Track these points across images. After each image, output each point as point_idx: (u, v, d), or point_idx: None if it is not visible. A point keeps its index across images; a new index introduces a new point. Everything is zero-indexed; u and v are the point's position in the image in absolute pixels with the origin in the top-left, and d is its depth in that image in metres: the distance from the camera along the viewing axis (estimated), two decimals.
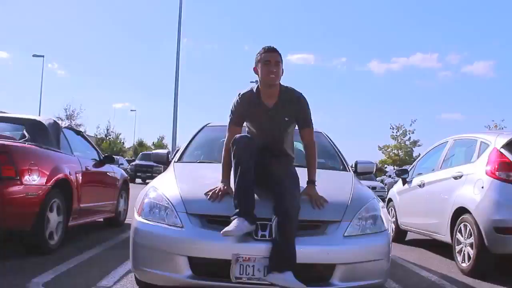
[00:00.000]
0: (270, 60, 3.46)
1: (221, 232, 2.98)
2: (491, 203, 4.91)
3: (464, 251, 5.25)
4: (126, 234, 6.83)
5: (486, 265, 5.00)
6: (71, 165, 5.66)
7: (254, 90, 3.60)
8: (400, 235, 7.63)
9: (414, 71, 77.06)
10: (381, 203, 3.74)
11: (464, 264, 5.23)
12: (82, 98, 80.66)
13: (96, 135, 56.37)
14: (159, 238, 3.22)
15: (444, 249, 6.21)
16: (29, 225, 4.73)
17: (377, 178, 46.74)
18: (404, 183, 7.50)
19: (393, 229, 7.77)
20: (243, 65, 69.36)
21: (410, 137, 45.66)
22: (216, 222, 3.17)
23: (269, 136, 3.60)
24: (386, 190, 26.15)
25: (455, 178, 5.66)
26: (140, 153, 34.21)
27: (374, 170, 5.08)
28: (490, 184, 4.97)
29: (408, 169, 7.67)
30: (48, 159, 5.18)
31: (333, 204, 3.36)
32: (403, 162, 43.57)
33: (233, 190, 3.26)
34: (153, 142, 66.68)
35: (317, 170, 3.68)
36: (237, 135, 3.42)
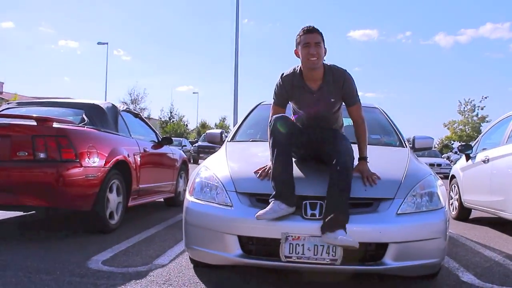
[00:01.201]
0: (309, 42, 3.33)
1: (255, 215, 2.96)
2: None
3: None
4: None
5: None
6: (129, 147, 5.81)
7: (297, 71, 3.47)
8: (464, 213, 7.37)
9: (483, 43, 73.56)
10: (439, 181, 3.58)
11: None
12: (146, 82, 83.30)
13: (160, 118, 57.84)
14: (209, 217, 3.24)
15: (510, 228, 5.92)
16: (89, 205, 4.90)
17: (443, 155, 45.45)
18: (467, 159, 7.19)
19: (456, 207, 7.52)
20: None
21: (478, 113, 43.76)
22: (265, 201, 3.14)
23: (316, 117, 3.52)
24: (452, 166, 25.39)
25: None
26: (202, 135, 34.77)
27: (433, 145, 4.88)
28: None
29: (472, 145, 7.33)
30: (107, 141, 5.33)
31: (386, 181, 3.25)
32: (470, 138, 41.97)
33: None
34: (215, 124, 67.61)
35: (371, 147, 3.58)
36: (274, 116, 3.37)
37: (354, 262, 3.03)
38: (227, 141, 4.64)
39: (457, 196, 7.53)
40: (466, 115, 44.21)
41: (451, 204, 7.82)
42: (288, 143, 3.26)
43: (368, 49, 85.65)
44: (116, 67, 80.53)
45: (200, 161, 28.52)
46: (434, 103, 76.69)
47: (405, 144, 4.53)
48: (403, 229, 3.07)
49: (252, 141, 4.58)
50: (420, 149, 4.72)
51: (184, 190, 8.22)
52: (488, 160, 6.31)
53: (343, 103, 3.57)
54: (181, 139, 34.43)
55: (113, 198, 5.29)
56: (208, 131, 5.12)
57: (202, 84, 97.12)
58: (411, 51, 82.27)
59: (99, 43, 41.66)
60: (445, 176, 22.90)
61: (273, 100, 3.63)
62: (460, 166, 7.54)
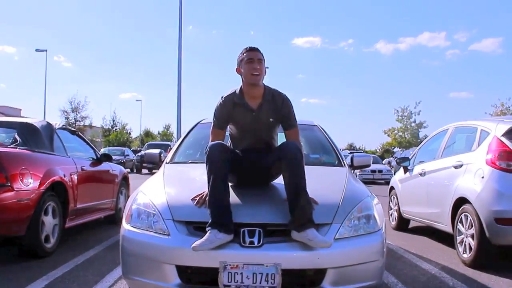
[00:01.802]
0: (253, 58, 3.41)
1: (191, 245, 2.92)
2: (491, 193, 4.80)
3: (465, 241, 5.17)
4: None
5: (487, 256, 4.91)
6: (65, 167, 5.60)
7: (237, 91, 3.52)
8: (402, 224, 7.57)
9: (421, 50, 76.48)
10: (375, 200, 3.64)
11: (465, 255, 5.14)
12: (89, 89, 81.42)
13: (103, 127, 56.51)
14: (146, 246, 3.16)
15: (447, 238, 6.12)
16: (23, 230, 4.69)
17: (384, 160, 46.72)
18: (405, 171, 7.40)
19: (395, 218, 7.72)
20: None
21: (415, 119, 45.42)
22: (203, 229, 3.09)
23: (254, 137, 3.52)
24: (393, 172, 26.09)
25: (456, 167, 5.55)
26: (146, 144, 34.28)
27: (371, 163, 4.99)
28: (490, 174, 4.86)
29: (409, 157, 7.55)
30: (41, 162, 5.12)
31: (323, 206, 3.26)
32: (409, 144, 43.40)
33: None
34: (159, 132, 66.77)
35: (310, 167, 3.61)
36: (210, 143, 3.34)
37: (293, 287, 3.03)
38: (166, 162, 4.55)
39: (396, 207, 7.73)
40: (405, 122, 45.75)
41: (391, 214, 8.02)
42: (224, 170, 3.23)
43: (312, 56, 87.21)
44: (57, 74, 78.41)
45: (143, 170, 28.08)
46: (375, 109, 79.06)
47: (343, 163, 4.59)
48: (341, 254, 3.09)
49: (191, 162, 4.50)
50: (358, 167, 4.81)
51: (125, 206, 8.03)
52: (424, 173, 6.51)
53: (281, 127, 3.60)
54: (123, 148, 33.79)
55: (49, 221, 5.09)
56: (146, 152, 5.01)
57: (145, 91, 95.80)
58: (353, 58, 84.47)
59: (37, 50, 40.26)
60: (386, 182, 23.66)
61: (212, 123, 3.59)
62: (398, 177, 7.75)
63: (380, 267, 3.31)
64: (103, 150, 32.15)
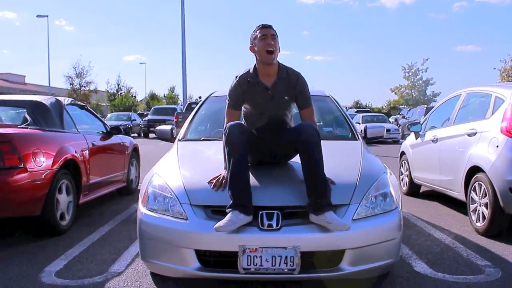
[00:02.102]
0: (266, 34, 3.38)
1: (214, 227, 2.93)
2: (506, 163, 4.76)
3: (478, 210, 5.17)
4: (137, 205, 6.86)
5: (500, 225, 4.92)
6: (76, 143, 5.60)
7: (251, 69, 3.49)
8: (414, 189, 7.56)
9: (428, 3, 74.92)
10: (391, 176, 3.63)
11: (478, 224, 5.15)
12: (91, 53, 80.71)
13: (108, 91, 56.40)
14: (164, 231, 3.17)
15: (458, 204, 6.13)
16: (38, 210, 4.72)
17: (391, 117, 46.60)
18: (416, 137, 7.35)
19: (407, 183, 7.72)
20: (255, 10, 68.24)
21: (422, 76, 44.91)
22: (221, 212, 3.10)
23: (270, 116, 3.48)
24: (400, 131, 26.00)
25: (469, 135, 5.50)
26: (152, 108, 34.21)
27: (384, 133, 4.95)
28: (505, 143, 4.81)
29: (420, 122, 7.48)
30: (52, 141, 5.11)
31: (341, 186, 3.25)
32: (416, 101, 43.11)
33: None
34: (164, 95, 66.53)
35: (323, 142, 3.57)
36: (229, 124, 3.31)
37: (312, 270, 3.05)
38: (178, 139, 4.53)
39: (407, 173, 7.71)
40: (412, 79, 45.28)
41: (402, 180, 8.01)
42: (245, 151, 3.21)
43: (316, 13, 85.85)
44: (59, 38, 77.83)
45: (150, 135, 28.11)
46: (381, 65, 78.36)
47: (358, 136, 4.56)
48: (359, 235, 3.09)
49: (203, 139, 4.48)
50: (372, 138, 4.78)
51: (137, 177, 8.10)
52: (436, 140, 6.46)
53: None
54: (130, 113, 33.82)
55: (63, 199, 5.12)
56: (158, 128, 4.98)
57: (149, 53, 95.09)
58: (358, 13, 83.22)
59: (38, 16, 39.78)
60: (393, 141, 23.63)
61: (227, 104, 3.55)
62: (409, 143, 7.69)
63: (397, 245, 3.33)
64: (109, 116, 32.31)
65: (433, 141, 6.57)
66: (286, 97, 3.46)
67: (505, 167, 4.77)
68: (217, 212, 3.12)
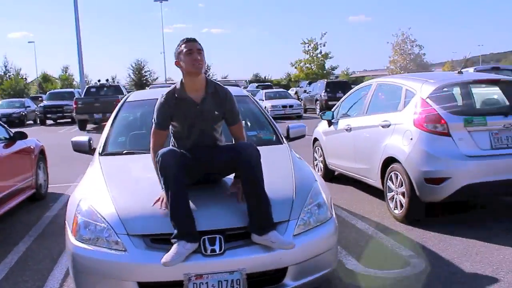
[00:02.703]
0: (192, 48, 3.28)
1: (161, 261, 2.83)
2: (420, 154, 5.04)
3: (396, 199, 5.45)
4: (50, 213, 6.49)
5: (417, 212, 5.23)
6: None
7: (178, 85, 3.38)
8: (328, 174, 7.79)
9: None
10: (319, 179, 3.70)
11: (396, 211, 5.44)
12: None
13: None
14: (102, 264, 3.00)
15: (372, 189, 6.40)
16: None
17: (290, 89, 47.74)
18: (329, 125, 7.54)
19: (321, 168, 7.95)
20: None
21: (321, 51, 46.25)
22: (161, 240, 3.00)
23: (200, 133, 3.38)
24: (303, 106, 26.73)
25: (383, 126, 5.74)
26: (48, 93, 32.29)
27: (306, 132, 5.01)
28: (418, 136, 5.08)
29: (332, 110, 7.69)
30: None
31: (279, 202, 3.23)
32: (316, 75, 44.39)
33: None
34: (59, 76, 62.96)
35: None
36: (160, 152, 3.16)
37: (255, 287, 3.04)
38: (99, 153, 4.28)
39: (321, 159, 7.94)
40: (311, 54, 46.49)
41: (316, 165, 8.24)
42: (182, 177, 3.09)
43: None
44: None
45: (48, 121, 26.57)
46: (279, 38, 79.41)
47: (282, 138, 4.57)
48: (301, 250, 3.12)
49: (126, 153, 4.26)
50: (294, 138, 4.82)
51: (45, 181, 7.62)
52: (350, 129, 6.68)
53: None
54: (23, 99, 31.74)
55: None
56: (73, 140, 4.64)
57: (38, 29, 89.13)
58: None
59: None
60: (297, 117, 24.25)
61: (153, 122, 3.40)
62: (322, 129, 7.88)
63: (335, 252, 3.42)
64: (0, 103, 30.03)
65: (347, 130, 6.78)
66: (216, 112, 3.38)
67: (419, 158, 5.04)
68: (157, 240, 3.01)
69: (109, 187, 3.45)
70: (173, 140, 3.48)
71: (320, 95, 26.32)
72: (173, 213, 2.99)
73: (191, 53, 3.26)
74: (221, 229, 3.02)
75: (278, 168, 3.80)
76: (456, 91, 5.54)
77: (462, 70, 5.98)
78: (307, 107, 28.38)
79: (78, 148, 4.59)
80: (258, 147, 4.16)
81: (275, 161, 3.99)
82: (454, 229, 5.01)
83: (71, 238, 3.20)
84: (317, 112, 26.46)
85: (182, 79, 3.37)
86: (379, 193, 6.20)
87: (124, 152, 4.28)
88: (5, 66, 53.02)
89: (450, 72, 7.23)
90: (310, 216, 3.29)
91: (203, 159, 3.31)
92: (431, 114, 5.05)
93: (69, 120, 25.77)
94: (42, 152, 7.58)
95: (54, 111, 26.43)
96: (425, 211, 5.27)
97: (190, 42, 3.31)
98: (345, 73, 71.99)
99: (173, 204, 3.00)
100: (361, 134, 6.40)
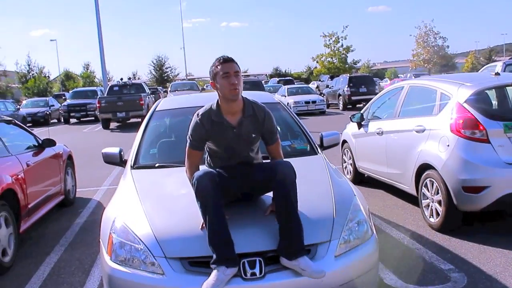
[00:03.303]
0: (229, 71, 3.11)
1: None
2: (458, 162, 4.87)
3: (431, 206, 5.29)
4: (80, 219, 6.48)
5: (454, 221, 5.07)
6: (11, 169, 5.13)
7: (214, 106, 3.24)
8: (358, 177, 7.64)
9: None
10: (358, 194, 3.57)
11: (432, 219, 5.28)
12: None
13: (18, 72, 53.10)
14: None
15: (403, 193, 6.24)
16: None
17: (311, 83, 47.40)
18: (359, 127, 7.39)
19: (351, 171, 7.81)
20: None
21: (342, 44, 45.72)
22: (200, 263, 2.91)
23: (235, 154, 3.28)
24: (325, 101, 26.46)
25: (417, 131, 5.57)
26: (71, 91, 32.60)
27: (340, 140, 4.88)
28: (456, 142, 4.91)
29: (362, 112, 7.53)
30: None
31: (319, 222, 3.13)
32: (338, 69, 43.93)
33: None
34: (81, 74, 63.46)
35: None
36: (196, 174, 3.06)
37: None
38: (131, 165, 4.21)
39: (350, 161, 7.80)
40: (333, 48, 46.00)
41: (345, 168, 8.10)
42: (219, 201, 3.00)
43: None
44: None
45: (72, 120, 26.83)
46: (299, 31, 78.97)
47: (316, 148, 4.45)
48: (342, 272, 3.01)
49: (159, 166, 4.18)
50: (328, 147, 4.70)
51: (73, 186, 7.62)
52: (382, 133, 6.52)
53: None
54: (47, 98, 32.09)
55: (3, 234, 4.69)
56: (103, 151, 4.57)
57: (59, 27, 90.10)
58: None
59: None
60: (320, 112, 24.04)
61: (188, 142, 3.30)
62: (351, 132, 7.74)
63: (376, 273, 3.31)
64: (25, 103, 30.47)
65: (378, 133, 6.63)
66: (253, 135, 3.27)
67: (457, 166, 4.87)
68: (195, 263, 2.93)
69: (144, 204, 3.38)
70: (208, 158, 3.39)
71: (343, 90, 26.04)
72: (211, 238, 2.90)
73: (228, 76, 3.11)
74: (261, 252, 2.93)
75: (316, 183, 3.68)
76: (494, 94, 5.35)
77: (499, 72, 5.77)
78: (329, 102, 28.10)
79: (109, 160, 4.53)
80: (293, 159, 4.06)
81: (312, 174, 3.87)
82: (493, 239, 4.84)
83: (106, 259, 3.15)
84: (340, 108, 26.26)
85: (218, 101, 3.24)
86: (411, 198, 6.05)
87: (156, 165, 4.20)
88: (28, 65, 53.62)
89: (486, 73, 6.99)
90: (351, 235, 3.17)
91: (239, 178, 3.21)
92: (469, 119, 4.87)
93: (93, 118, 25.98)
94: (70, 157, 7.59)
95: (78, 110, 26.66)
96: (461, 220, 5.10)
97: (227, 63, 3.14)
98: (366, 65, 71.26)
99: (211, 229, 2.91)
100: (393, 138, 6.24)
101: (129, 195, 3.64)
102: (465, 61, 68.95)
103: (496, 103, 5.34)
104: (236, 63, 3.19)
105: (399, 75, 59.80)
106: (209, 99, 3.42)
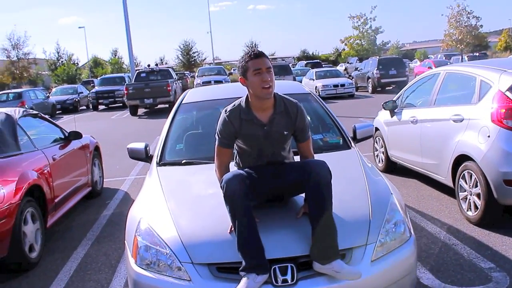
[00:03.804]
0: (261, 67, 2.92)
1: None
2: (499, 154, 4.59)
3: (469, 199, 5.03)
4: (107, 211, 6.43)
5: (494, 215, 4.82)
6: (37, 164, 5.07)
7: (243, 103, 3.06)
8: (391, 166, 7.40)
9: None
10: (394, 191, 3.36)
11: (470, 213, 5.03)
12: (22, 17, 76.32)
13: (47, 60, 53.81)
14: None
15: (437, 183, 5.99)
16: (4, 251, 4.25)
17: (339, 65, 46.70)
18: (392, 115, 7.12)
19: (382, 159, 7.57)
20: None
21: (371, 25, 44.84)
22: (227, 269, 2.77)
23: (266, 153, 3.10)
24: (354, 84, 25.99)
25: (455, 121, 5.28)
26: (99, 78, 32.86)
27: (374, 132, 4.65)
28: (497, 133, 4.62)
29: (394, 99, 7.25)
30: (10, 169, 4.57)
31: (355, 225, 2.94)
32: (367, 52, 43.15)
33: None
34: (109, 60, 63.93)
35: (317, 156, 3.27)
36: (225, 177, 2.89)
37: None
38: (156, 162, 4.07)
39: (382, 149, 7.55)
40: (361, 29, 45.15)
41: (377, 156, 7.85)
42: (248, 204, 2.83)
43: None
44: None
45: (100, 107, 27.06)
46: (326, 12, 77.70)
47: (349, 141, 4.24)
48: (379, 277, 2.84)
49: (185, 163, 4.03)
50: (361, 139, 4.48)
51: (100, 177, 7.58)
52: (416, 122, 6.25)
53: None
54: (76, 86, 32.44)
55: (30, 229, 4.63)
56: (129, 147, 4.45)
57: (87, 14, 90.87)
58: None
59: None
60: (348, 96, 23.66)
61: (217, 140, 3.13)
62: (383, 119, 7.46)
63: (414, 278, 3.11)
64: (54, 91, 30.85)
65: (412, 122, 6.35)
66: (285, 132, 3.08)
67: (498, 158, 4.60)
68: (223, 269, 2.78)
69: (170, 205, 3.24)
70: (237, 157, 3.22)
71: (372, 73, 25.53)
72: (241, 244, 2.74)
73: (260, 73, 2.91)
74: (293, 257, 2.76)
75: (351, 182, 3.47)
76: None
77: None
78: (358, 85, 27.61)
79: (135, 155, 4.41)
80: (325, 154, 3.87)
81: (346, 172, 3.66)
82: None
83: (131, 262, 3.03)
84: (369, 91, 25.77)
85: (248, 97, 3.06)
86: (447, 189, 5.81)
87: (183, 161, 4.05)
88: (58, 52, 54.25)
89: None
90: (387, 237, 2.97)
91: (270, 178, 3.03)
92: None
93: (121, 104, 26.13)
94: (97, 148, 7.54)
95: (106, 97, 26.86)
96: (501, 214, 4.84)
97: (258, 58, 2.94)
98: (396, 46, 69.84)
99: (240, 235, 2.75)
100: (429, 127, 5.96)
101: (155, 194, 3.51)
102: (498, 40, 66.92)
103: None
104: (268, 58, 2.99)
105: (429, 56, 58.56)
106: (238, 89, 3.23)
